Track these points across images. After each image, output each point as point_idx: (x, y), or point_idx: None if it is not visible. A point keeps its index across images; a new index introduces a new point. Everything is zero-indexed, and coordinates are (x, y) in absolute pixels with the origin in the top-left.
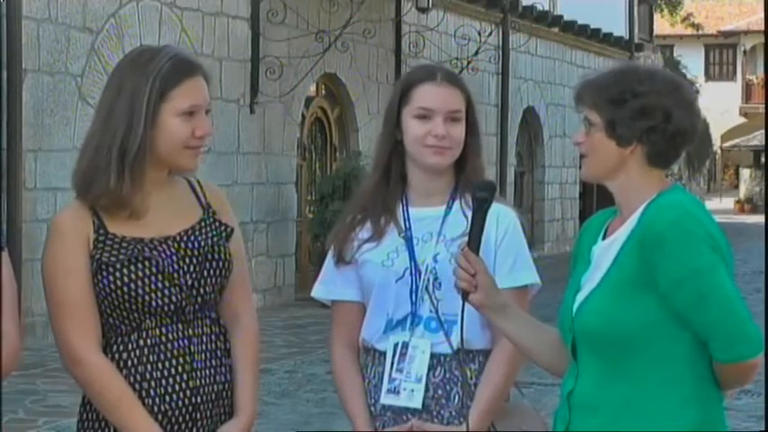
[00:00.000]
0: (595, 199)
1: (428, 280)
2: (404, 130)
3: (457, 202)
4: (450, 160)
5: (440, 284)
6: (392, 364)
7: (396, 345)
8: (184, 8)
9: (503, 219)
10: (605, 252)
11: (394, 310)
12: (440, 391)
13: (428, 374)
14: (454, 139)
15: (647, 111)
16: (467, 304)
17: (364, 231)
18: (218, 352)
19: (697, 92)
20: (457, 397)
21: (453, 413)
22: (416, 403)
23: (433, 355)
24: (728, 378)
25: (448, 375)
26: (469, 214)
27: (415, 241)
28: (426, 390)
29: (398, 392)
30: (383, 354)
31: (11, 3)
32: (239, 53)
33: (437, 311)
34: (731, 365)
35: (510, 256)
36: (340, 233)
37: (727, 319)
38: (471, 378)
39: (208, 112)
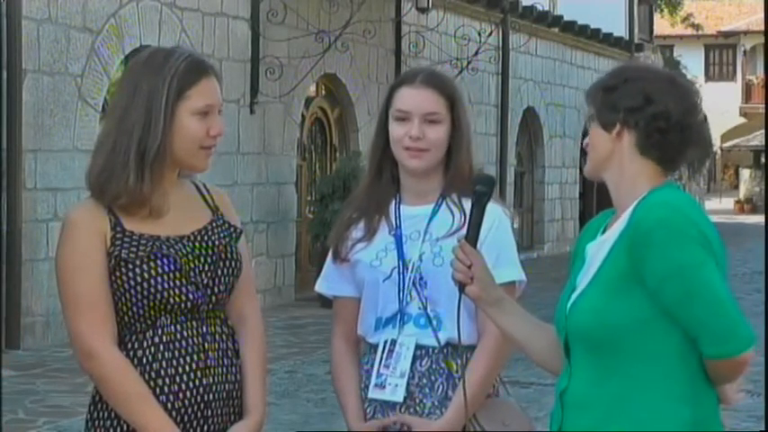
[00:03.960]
0: (595, 199)
1: (415, 278)
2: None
3: (444, 202)
4: (428, 163)
5: (425, 283)
6: (380, 360)
7: (385, 342)
8: (184, 8)
9: (488, 216)
10: (598, 250)
11: (382, 308)
12: (424, 380)
13: (414, 364)
14: (431, 140)
15: (630, 93)
16: (463, 297)
17: (358, 230)
18: (229, 352)
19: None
20: (441, 387)
21: (436, 403)
22: (398, 397)
23: (421, 347)
24: (719, 374)
25: (434, 366)
26: (455, 212)
27: (404, 239)
28: (412, 377)
29: (384, 387)
30: (376, 346)
31: (11, 3)
32: (239, 53)
33: (425, 308)
34: (721, 361)
35: (493, 252)
36: (337, 232)
37: (715, 316)
38: (457, 371)
39: (220, 113)
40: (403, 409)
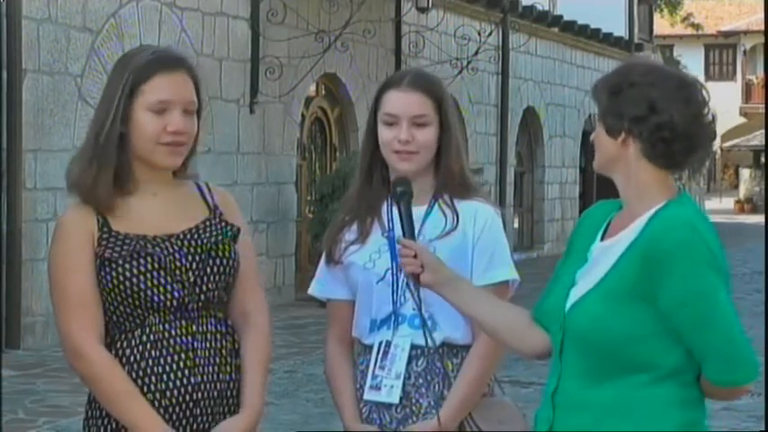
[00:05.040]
0: (595, 199)
1: (408, 279)
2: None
3: (437, 203)
4: (418, 165)
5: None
6: (375, 361)
7: (380, 343)
8: (184, 8)
9: (480, 216)
10: (605, 253)
11: (376, 310)
12: (420, 380)
13: (411, 364)
14: (420, 143)
15: (635, 101)
16: (428, 294)
17: (351, 233)
18: (224, 351)
19: None
20: (437, 387)
21: (432, 403)
22: (394, 399)
23: (417, 347)
24: (715, 395)
25: (430, 366)
26: (448, 213)
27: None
28: (408, 378)
29: (380, 388)
30: (371, 347)
31: (11, 3)
32: (239, 53)
33: (420, 309)
34: (722, 388)
35: (486, 253)
36: (329, 234)
37: (727, 345)
38: (453, 371)
39: (189, 111)
40: (399, 410)
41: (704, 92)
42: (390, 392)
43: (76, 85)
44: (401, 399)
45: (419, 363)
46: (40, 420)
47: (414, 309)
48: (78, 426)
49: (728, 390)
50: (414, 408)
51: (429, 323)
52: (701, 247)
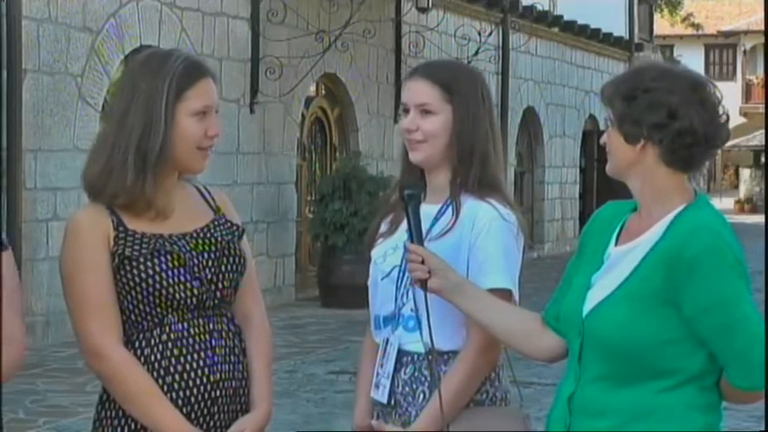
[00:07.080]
0: (595, 199)
1: (416, 285)
2: None
3: (453, 201)
4: (427, 154)
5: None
6: (379, 359)
7: (383, 341)
8: (184, 8)
9: (480, 219)
10: (624, 257)
11: (380, 306)
12: (407, 389)
13: (399, 372)
14: (425, 132)
15: (653, 107)
16: (432, 300)
17: (384, 225)
18: (236, 349)
19: None
20: (422, 396)
21: (419, 412)
22: (383, 398)
23: (406, 353)
24: (735, 399)
25: (416, 374)
26: (455, 213)
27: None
28: (396, 386)
29: (378, 387)
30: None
31: (11, 3)
32: (239, 53)
33: (417, 311)
34: (743, 392)
35: (479, 258)
36: (371, 226)
37: (752, 350)
38: (440, 379)
39: (217, 113)
40: (396, 417)
41: (717, 91)
42: (384, 392)
43: (76, 85)
44: (395, 406)
45: (407, 370)
46: (40, 420)
47: (411, 310)
48: (78, 426)
49: (749, 393)
50: (404, 416)
51: (421, 326)
52: (726, 253)
